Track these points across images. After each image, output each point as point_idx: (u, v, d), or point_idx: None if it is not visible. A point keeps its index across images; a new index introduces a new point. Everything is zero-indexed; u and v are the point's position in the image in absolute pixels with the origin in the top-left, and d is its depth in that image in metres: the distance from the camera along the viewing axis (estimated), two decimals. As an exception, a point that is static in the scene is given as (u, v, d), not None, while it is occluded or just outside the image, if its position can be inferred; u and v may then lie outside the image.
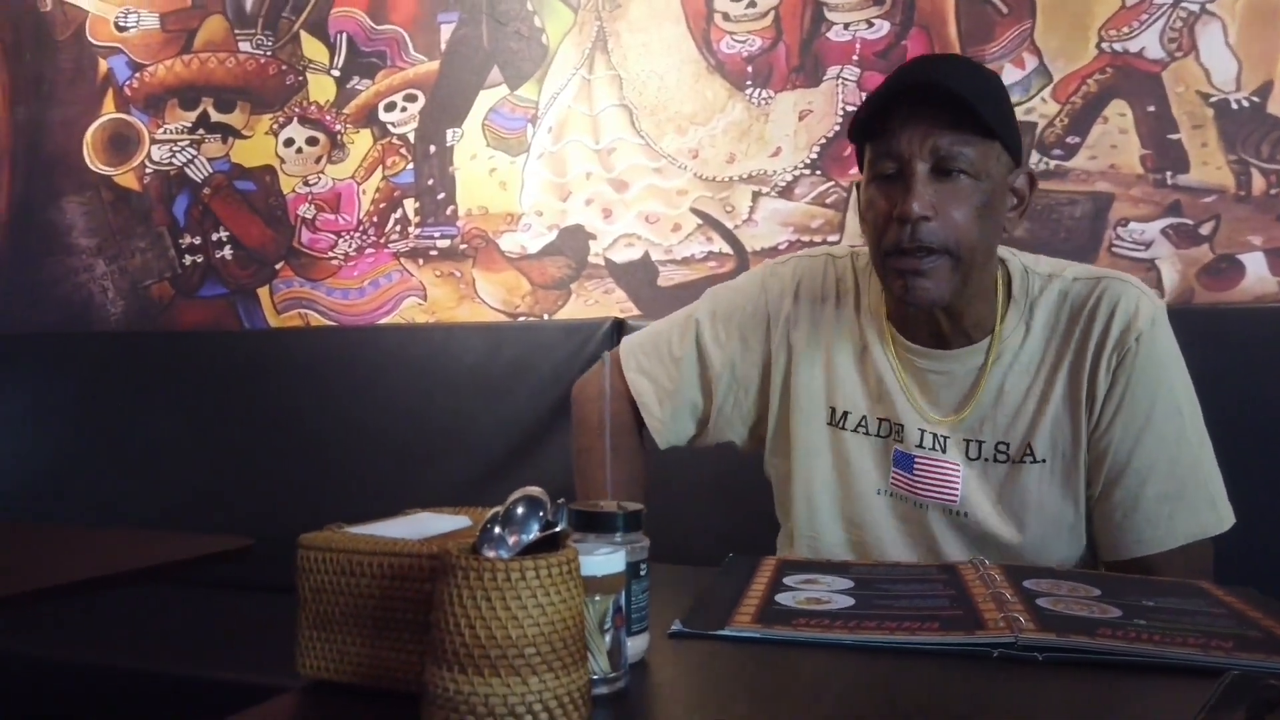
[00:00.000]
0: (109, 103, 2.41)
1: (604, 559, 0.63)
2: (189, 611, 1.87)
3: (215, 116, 2.33)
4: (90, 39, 2.42)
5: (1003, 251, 1.09)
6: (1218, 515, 1.02)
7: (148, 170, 2.39)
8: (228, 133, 2.32)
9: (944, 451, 1.06)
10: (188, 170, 2.35)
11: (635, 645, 0.69)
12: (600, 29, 2.04)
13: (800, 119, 1.90)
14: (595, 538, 0.69)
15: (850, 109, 1.86)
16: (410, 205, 2.17)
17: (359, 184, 2.21)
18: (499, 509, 0.62)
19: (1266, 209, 1.62)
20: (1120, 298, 1.03)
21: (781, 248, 1.91)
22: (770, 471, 1.21)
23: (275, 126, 2.27)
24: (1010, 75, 1.76)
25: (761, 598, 0.83)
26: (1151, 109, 1.68)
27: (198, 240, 2.35)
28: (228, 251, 2.33)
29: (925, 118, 0.96)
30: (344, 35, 2.22)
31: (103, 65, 2.41)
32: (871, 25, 1.86)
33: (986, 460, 1.06)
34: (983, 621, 0.74)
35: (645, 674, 0.70)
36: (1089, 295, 1.04)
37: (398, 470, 1.97)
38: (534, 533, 0.60)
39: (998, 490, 1.05)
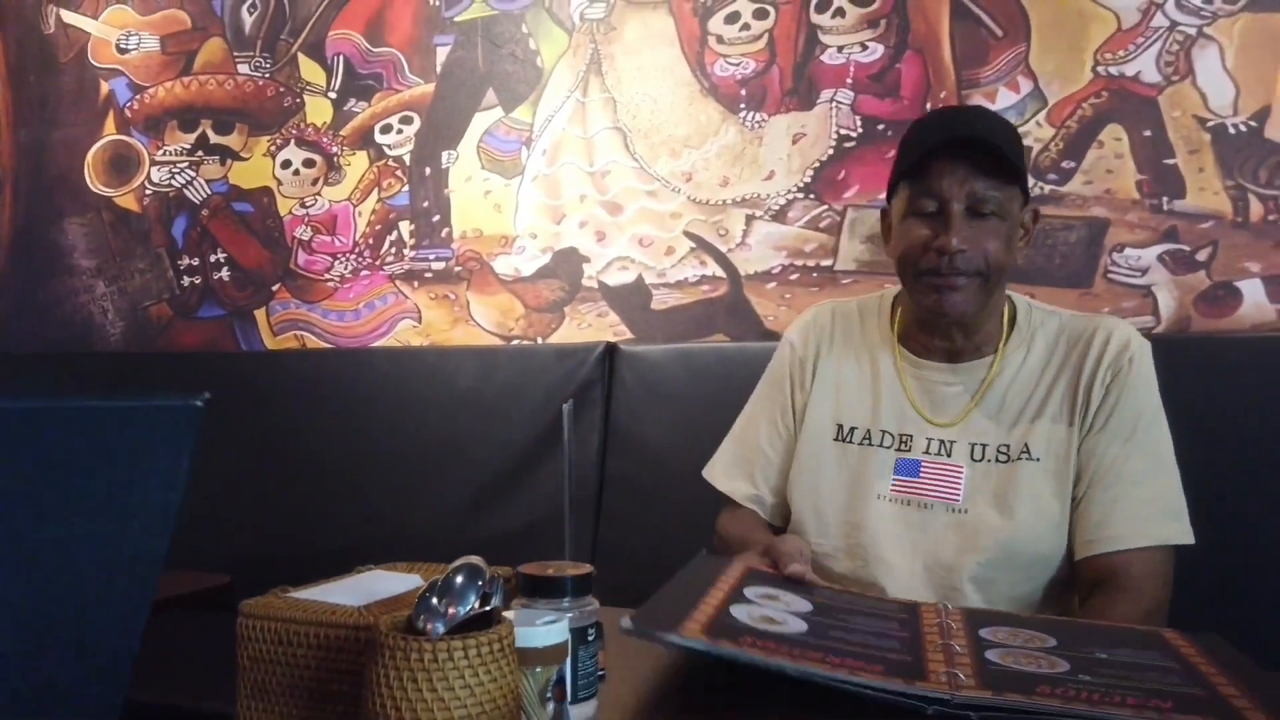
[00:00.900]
0: (110, 124, 2.43)
1: (545, 630, 0.62)
2: (167, 636, 1.87)
3: (214, 138, 2.34)
4: (92, 61, 2.44)
5: (1011, 292, 1.23)
6: (1182, 528, 1.11)
7: (147, 191, 2.40)
8: (226, 154, 2.33)
9: (949, 455, 1.17)
10: (186, 192, 2.36)
11: (581, 713, 0.68)
12: (595, 52, 2.03)
13: (794, 142, 1.89)
14: (545, 603, 0.69)
15: (845, 133, 1.85)
16: (405, 227, 2.18)
17: (355, 206, 2.22)
18: (439, 578, 0.61)
19: (1264, 235, 1.59)
20: (1115, 329, 1.17)
21: (775, 271, 1.90)
22: (788, 494, 1.27)
23: (273, 148, 2.28)
24: (1005, 99, 1.74)
25: (717, 607, 0.83)
26: (1148, 133, 1.66)
27: (196, 261, 2.36)
28: (225, 273, 2.34)
29: (963, 165, 1.11)
30: (341, 57, 2.22)
31: (104, 87, 2.43)
32: (866, 48, 1.84)
33: (989, 461, 1.16)
34: (925, 673, 0.74)
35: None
36: (1085, 328, 1.18)
37: (392, 492, 1.97)
38: (471, 605, 0.59)
39: (997, 487, 1.14)
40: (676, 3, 1.97)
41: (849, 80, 1.85)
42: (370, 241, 2.20)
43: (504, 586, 0.61)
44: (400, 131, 2.18)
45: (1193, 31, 1.63)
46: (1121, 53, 1.67)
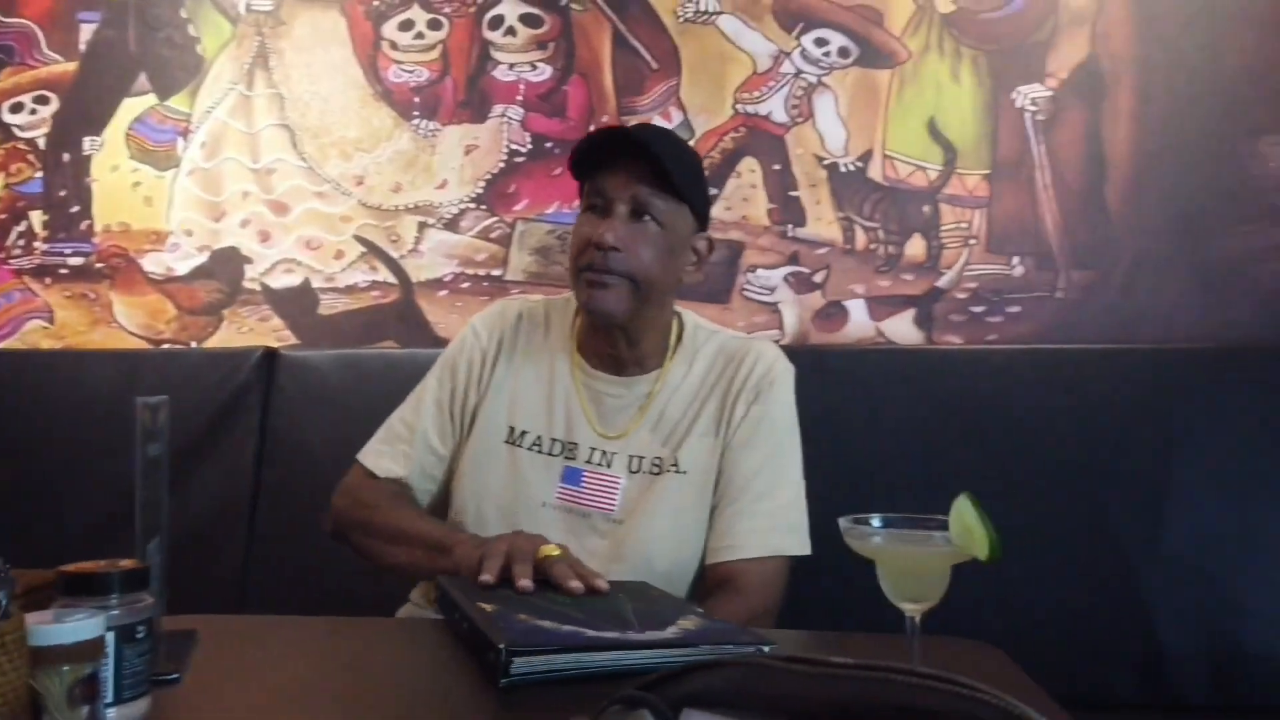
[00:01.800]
0: None
1: (71, 627, 0.59)
2: None
3: None
4: None
5: (681, 309, 1.31)
6: (799, 540, 1.20)
7: None
8: None
9: (609, 466, 1.21)
10: None
11: (126, 713, 0.65)
12: (261, 45, 1.95)
13: (467, 153, 1.92)
14: (90, 601, 0.65)
15: (515, 148, 1.91)
16: (38, 218, 1.96)
17: (-26, 190, 1.97)
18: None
19: (866, 262, 1.83)
20: (764, 352, 1.26)
21: (447, 279, 1.91)
22: (453, 486, 1.26)
23: None
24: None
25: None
26: (777, 167, 1.86)
27: None
28: None
29: (632, 169, 1.17)
30: (-40, 23, 1.97)
31: None
32: (535, 69, 1.92)
33: (644, 473, 1.21)
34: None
35: None
36: (741, 348, 1.27)
37: (4, 516, 1.75)
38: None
39: (646, 499, 1.19)
40: (349, 4, 1.94)
41: (519, 98, 1.92)
42: (-7, 231, 1.96)
43: (8, 583, 0.57)
44: (34, 112, 1.97)
45: (814, 79, 1.85)
46: (757, 93, 1.86)
